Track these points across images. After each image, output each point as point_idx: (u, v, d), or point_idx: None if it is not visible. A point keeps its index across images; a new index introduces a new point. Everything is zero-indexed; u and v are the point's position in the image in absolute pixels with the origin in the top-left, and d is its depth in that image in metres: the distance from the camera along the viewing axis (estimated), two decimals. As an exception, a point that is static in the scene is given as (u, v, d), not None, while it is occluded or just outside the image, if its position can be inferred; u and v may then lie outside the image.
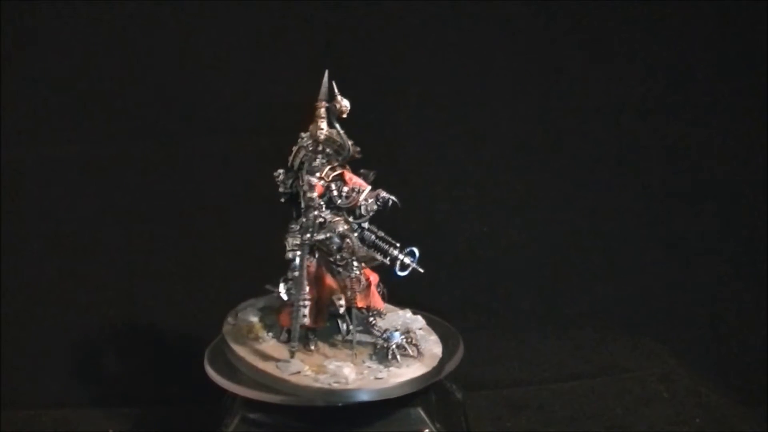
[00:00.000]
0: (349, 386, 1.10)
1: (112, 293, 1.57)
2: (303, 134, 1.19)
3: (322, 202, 1.14)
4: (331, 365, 1.12)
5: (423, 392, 1.13)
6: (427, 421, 1.11)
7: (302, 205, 1.15)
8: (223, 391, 1.17)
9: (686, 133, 1.63)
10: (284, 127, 1.51)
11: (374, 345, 1.16)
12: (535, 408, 1.48)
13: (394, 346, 1.14)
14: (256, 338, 1.19)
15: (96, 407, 1.50)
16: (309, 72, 1.55)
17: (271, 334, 1.20)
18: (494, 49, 1.59)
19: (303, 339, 1.15)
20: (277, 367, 1.13)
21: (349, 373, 1.11)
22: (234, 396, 1.16)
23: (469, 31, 1.58)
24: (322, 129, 1.15)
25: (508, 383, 1.56)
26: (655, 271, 1.67)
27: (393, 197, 1.15)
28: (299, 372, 1.11)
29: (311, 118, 1.17)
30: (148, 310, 1.57)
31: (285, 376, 1.11)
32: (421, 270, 1.13)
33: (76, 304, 1.56)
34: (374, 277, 1.17)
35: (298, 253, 1.13)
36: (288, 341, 1.14)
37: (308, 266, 1.14)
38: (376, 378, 1.12)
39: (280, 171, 1.19)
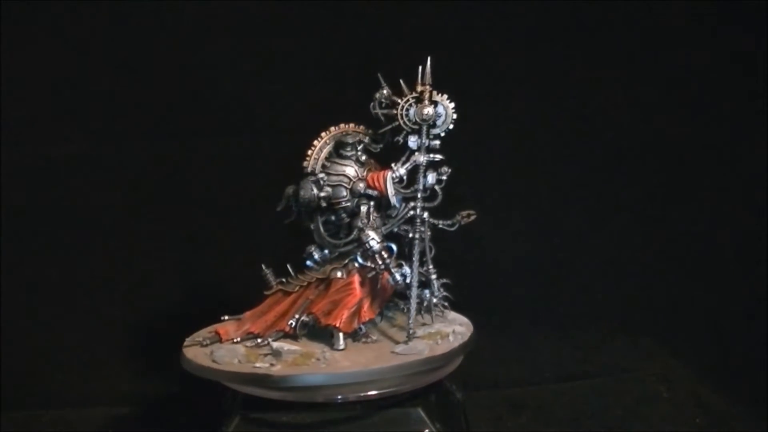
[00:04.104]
0: (468, 335, 1.17)
1: (112, 293, 1.57)
2: (323, 134, 1.19)
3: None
4: (446, 329, 1.17)
5: (423, 392, 1.13)
6: (427, 421, 1.11)
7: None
8: (224, 391, 1.17)
9: (686, 133, 1.63)
10: (285, 127, 1.52)
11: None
12: (535, 408, 1.48)
13: (435, 299, 1.19)
14: (322, 358, 1.11)
15: (96, 407, 1.51)
16: (309, 72, 1.57)
17: (326, 347, 1.14)
18: (495, 50, 1.59)
19: (354, 334, 1.16)
20: (400, 353, 1.11)
21: (458, 328, 1.18)
22: (234, 395, 1.16)
23: (470, 31, 1.58)
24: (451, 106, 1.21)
25: (508, 383, 1.56)
26: (655, 271, 1.67)
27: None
28: (428, 348, 1.12)
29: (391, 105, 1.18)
30: (148, 310, 1.57)
31: (426, 355, 1.11)
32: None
33: (76, 304, 1.56)
34: None
35: (378, 244, 1.15)
36: (342, 348, 1.13)
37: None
38: (461, 324, 1.20)
39: (321, 176, 1.18)
